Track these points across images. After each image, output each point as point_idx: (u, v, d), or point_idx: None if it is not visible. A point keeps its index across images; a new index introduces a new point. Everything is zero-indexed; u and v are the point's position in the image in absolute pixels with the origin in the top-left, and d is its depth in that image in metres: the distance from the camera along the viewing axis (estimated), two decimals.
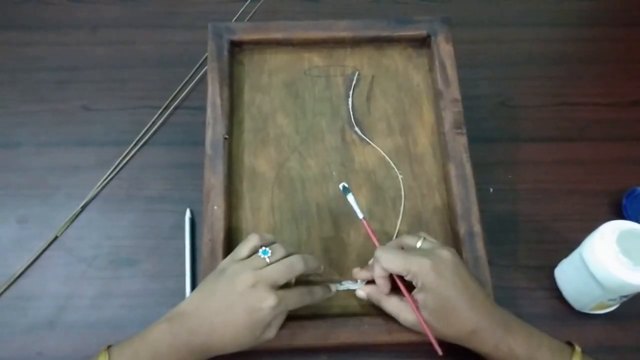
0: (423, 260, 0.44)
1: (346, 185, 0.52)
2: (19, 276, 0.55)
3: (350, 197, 0.51)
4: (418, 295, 0.45)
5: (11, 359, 0.51)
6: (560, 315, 0.53)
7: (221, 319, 0.43)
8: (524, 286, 0.55)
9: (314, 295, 0.48)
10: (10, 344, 0.52)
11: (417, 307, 0.45)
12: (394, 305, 0.47)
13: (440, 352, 0.45)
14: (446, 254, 0.45)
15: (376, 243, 0.49)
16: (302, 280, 0.49)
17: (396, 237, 0.55)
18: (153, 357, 0.43)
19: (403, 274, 0.45)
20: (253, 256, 0.46)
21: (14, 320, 0.53)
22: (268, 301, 0.43)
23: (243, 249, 0.47)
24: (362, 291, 0.50)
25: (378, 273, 0.47)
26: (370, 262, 0.51)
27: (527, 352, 0.43)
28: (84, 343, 0.52)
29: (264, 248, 0.46)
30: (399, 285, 0.47)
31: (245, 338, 0.44)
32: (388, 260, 0.46)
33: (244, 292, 0.43)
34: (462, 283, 0.44)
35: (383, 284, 0.47)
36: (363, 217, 0.50)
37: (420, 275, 0.44)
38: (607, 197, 0.59)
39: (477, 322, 0.44)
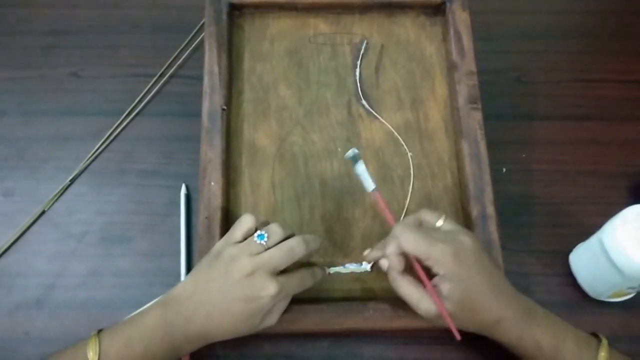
0: (445, 247, 0.41)
1: (357, 150, 0.45)
2: (4, 252, 0.53)
3: (361, 167, 0.45)
4: (441, 285, 0.42)
5: None
6: (575, 302, 0.51)
7: (218, 308, 0.41)
8: (537, 272, 0.53)
9: (315, 278, 0.46)
10: None
11: (439, 297, 0.42)
12: (413, 293, 0.43)
13: (458, 337, 0.42)
14: (468, 240, 0.43)
15: (390, 220, 0.45)
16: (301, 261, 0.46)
17: (404, 218, 0.52)
18: (147, 346, 0.41)
19: (423, 257, 0.42)
20: (249, 240, 0.43)
21: None
22: (268, 290, 0.41)
23: (237, 232, 0.44)
24: (385, 261, 0.45)
25: (392, 250, 0.44)
26: (381, 243, 0.47)
27: (552, 343, 0.41)
28: (73, 324, 0.50)
29: (259, 232, 0.43)
30: (419, 271, 0.43)
31: (243, 326, 0.42)
32: (408, 241, 0.42)
33: (242, 280, 0.41)
34: (485, 271, 0.42)
35: (396, 261, 0.44)
36: (375, 189, 0.45)
37: (442, 263, 0.41)
38: (625, 180, 0.57)
39: (501, 311, 0.42)
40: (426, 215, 0.46)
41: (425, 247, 0.42)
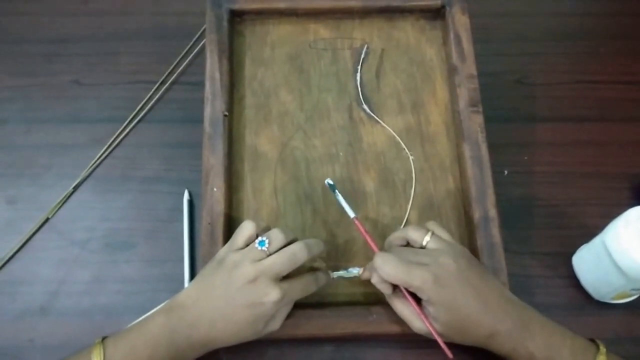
0: (425, 273, 0.41)
1: (331, 182, 0.49)
2: (9, 260, 0.53)
3: (339, 197, 0.47)
4: (428, 308, 0.43)
5: (1, 347, 0.49)
6: (578, 304, 0.51)
7: (221, 314, 0.41)
8: (539, 274, 0.53)
9: (319, 283, 0.46)
10: (0, 331, 0.50)
11: (428, 318, 0.43)
12: (406, 312, 0.44)
13: (450, 356, 0.43)
14: (449, 261, 0.42)
15: (374, 248, 0.46)
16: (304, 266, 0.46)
17: (406, 222, 0.53)
18: (151, 353, 0.41)
19: (405, 287, 0.43)
20: (250, 246, 0.43)
21: (4, 306, 0.51)
22: (271, 296, 0.41)
23: (239, 239, 0.44)
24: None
25: (376, 280, 0.45)
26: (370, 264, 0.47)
27: (547, 354, 0.41)
28: (77, 330, 0.50)
29: (260, 238, 0.43)
30: (406, 296, 0.44)
31: (246, 332, 0.42)
32: (387, 274, 0.43)
33: (244, 286, 0.41)
34: (472, 289, 0.42)
35: (384, 288, 0.45)
36: (355, 217, 0.47)
37: (424, 290, 0.42)
38: (627, 181, 0.57)
39: (493, 326, 0.42)
40: (412, 234, 0.46)
41: (404, 277, 0.42)
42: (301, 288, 0.44)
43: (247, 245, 0.43)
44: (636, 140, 0.59)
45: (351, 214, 0.47)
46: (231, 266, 0.42)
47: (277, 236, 0.43)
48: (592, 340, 0.43)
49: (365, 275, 0.47)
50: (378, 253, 0.44)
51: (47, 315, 0.50)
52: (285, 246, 0.43)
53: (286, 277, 0.43)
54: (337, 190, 0.48)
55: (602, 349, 0.42)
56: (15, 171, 0.57)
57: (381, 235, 0.52)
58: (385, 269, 0.43)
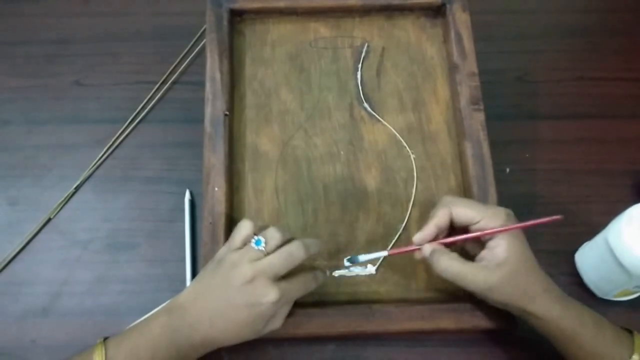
0: (496, 208, 0.44)
1: (346, 260, 0.47)
2: (11, 260, 0.53)
3: (364, 258, 0.46)
4: (498, 248, 0.42)
5: (3, 348, 0.50)
6: (581, 302, 0.50)
7: (220, 314, 0.41)
8: None
9: (317, 281, 0.46)
10: (2, 332, 0.50)
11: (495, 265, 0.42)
12: (465, 268, 0.43)
13: (560, 216, 0.43)
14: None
15: (415, 250, 0.45)
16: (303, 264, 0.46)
17: (407, 220, 0.52)
18: (153, 353, 0.41)
19: (475, 219, 0.43)
20: (247, 246, 0.43)
21: (6, 307, 0.51)
22: (269, 296, 0.41)
23: (236, 238, 0.44)
24: (428, 246, 0.44)
25: (443, 216, 0.44)
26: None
27: (594, 319, 0.42)
28: (80, 331, 0.50)
29: (256, 238, 0.43)
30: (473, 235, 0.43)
31: (247, 332, 0.42)
32: (459, 205, 0.44)
33: (243, 287, 0.41)
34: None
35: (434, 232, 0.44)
36: (389, 252, 0.46)
37: (497, 220, 0.43)
38: (630, 178, 0.57)
39: (548, 280, 0.43)
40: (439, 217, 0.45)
41: (478, 207, 0.44)
42: (299, 287, 0.44)
43: (245, 244, 0.43)
44: (638, 137, 0.59)
45: (384, 254, 0.46)
46: (229, 266, 0.42)
47: (273, 235, 0.43)
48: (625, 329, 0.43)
49: (426, 233, 0.44)
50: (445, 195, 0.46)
51: (49, 316, 0.51)
52: (282, 245, 0.43)
53: (284, 276, 0.43)
54: (358, 257, 0.46)
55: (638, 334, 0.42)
56: (17, 172, 0.57)
57: (383, 234, 0.52)
58: (458, 201, 0.45)
